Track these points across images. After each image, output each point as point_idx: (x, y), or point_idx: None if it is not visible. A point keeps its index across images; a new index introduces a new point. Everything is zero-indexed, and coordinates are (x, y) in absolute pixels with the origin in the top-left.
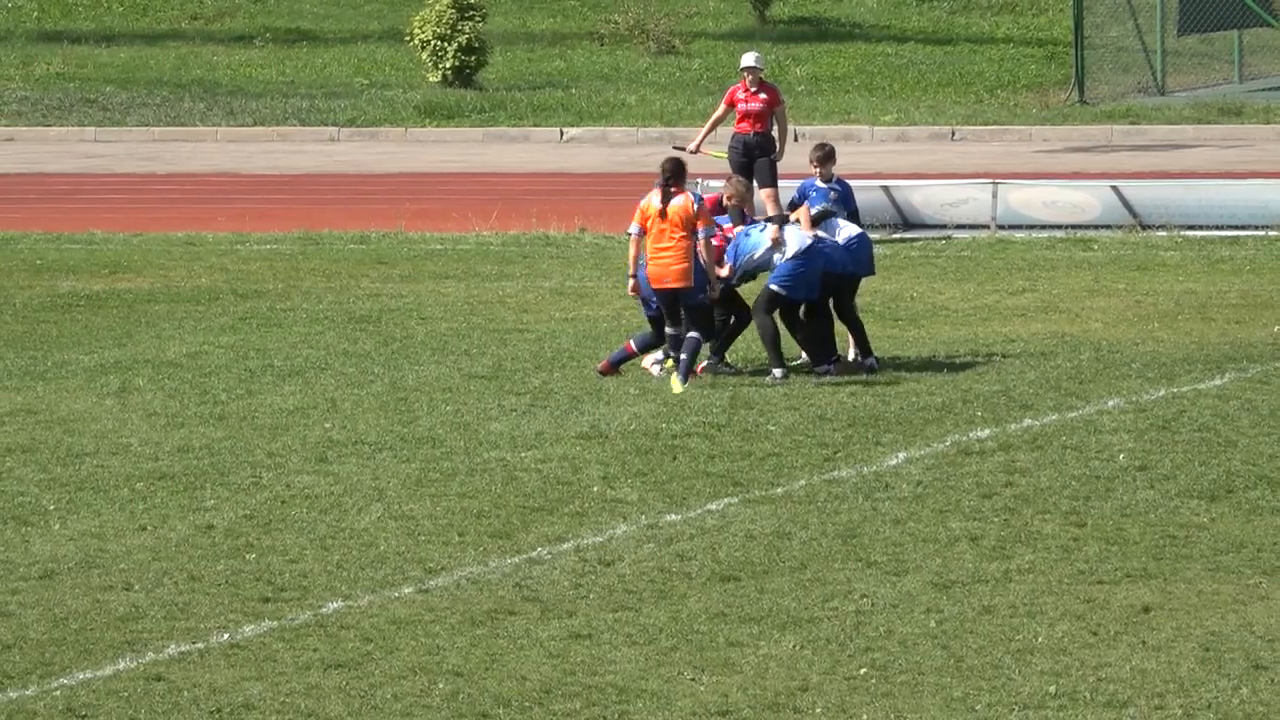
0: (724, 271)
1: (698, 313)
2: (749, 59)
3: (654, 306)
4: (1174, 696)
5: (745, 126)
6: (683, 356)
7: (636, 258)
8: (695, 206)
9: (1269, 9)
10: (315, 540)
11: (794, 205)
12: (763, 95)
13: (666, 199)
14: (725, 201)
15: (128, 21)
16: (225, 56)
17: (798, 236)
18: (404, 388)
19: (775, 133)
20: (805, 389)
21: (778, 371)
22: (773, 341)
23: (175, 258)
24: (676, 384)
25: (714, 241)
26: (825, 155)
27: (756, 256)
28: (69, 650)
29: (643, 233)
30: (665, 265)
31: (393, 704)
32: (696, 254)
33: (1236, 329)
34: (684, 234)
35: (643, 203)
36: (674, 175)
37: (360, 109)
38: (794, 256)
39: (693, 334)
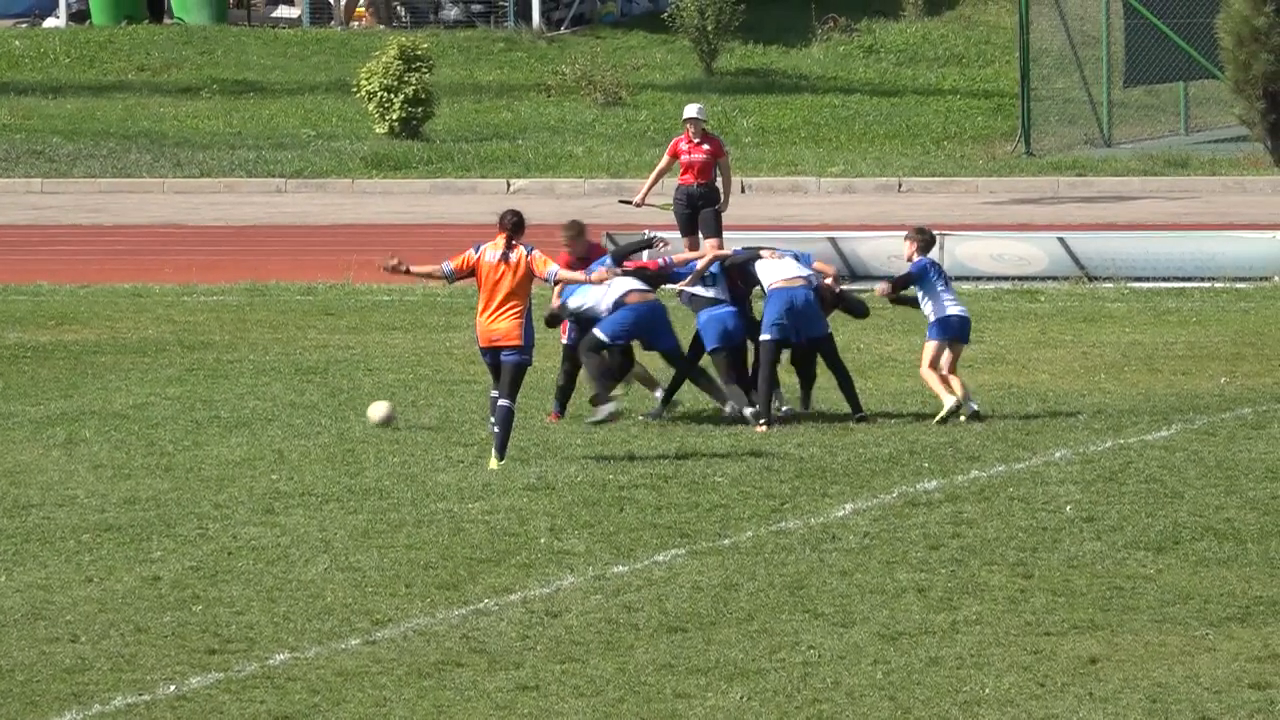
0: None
1: (517, 375)
2: (691, 110)
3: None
4: None
5: (689, 178)
6: (496, 430)
7: (429, 274)
8: (528, 256)
9: (1214, 61)
10: (262, 592)
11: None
12: (706, 146)
13: (510, 249)
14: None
15: (74, 73)
16: (172, 108)
17: (621, 284)
18: (351, 439)
19: (720, 184)
20: (752, 440)
21: (606, 408)
22: (601, 374)
23: (122, 309)
24: (494, 461)
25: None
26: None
27: (586, 303)
28: (14, 702)
29: (458, 277)
30: (497, 322)
31: None
32: (528, 315)
33: (1183, 380)
34: (515, 292)
35: (475, 252)
36: (515, 227)
37: (307, 160)
38: (614, 308)
39: (505, 402)
